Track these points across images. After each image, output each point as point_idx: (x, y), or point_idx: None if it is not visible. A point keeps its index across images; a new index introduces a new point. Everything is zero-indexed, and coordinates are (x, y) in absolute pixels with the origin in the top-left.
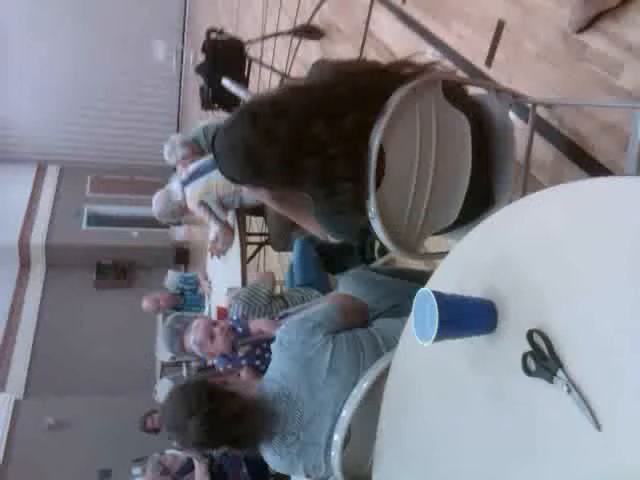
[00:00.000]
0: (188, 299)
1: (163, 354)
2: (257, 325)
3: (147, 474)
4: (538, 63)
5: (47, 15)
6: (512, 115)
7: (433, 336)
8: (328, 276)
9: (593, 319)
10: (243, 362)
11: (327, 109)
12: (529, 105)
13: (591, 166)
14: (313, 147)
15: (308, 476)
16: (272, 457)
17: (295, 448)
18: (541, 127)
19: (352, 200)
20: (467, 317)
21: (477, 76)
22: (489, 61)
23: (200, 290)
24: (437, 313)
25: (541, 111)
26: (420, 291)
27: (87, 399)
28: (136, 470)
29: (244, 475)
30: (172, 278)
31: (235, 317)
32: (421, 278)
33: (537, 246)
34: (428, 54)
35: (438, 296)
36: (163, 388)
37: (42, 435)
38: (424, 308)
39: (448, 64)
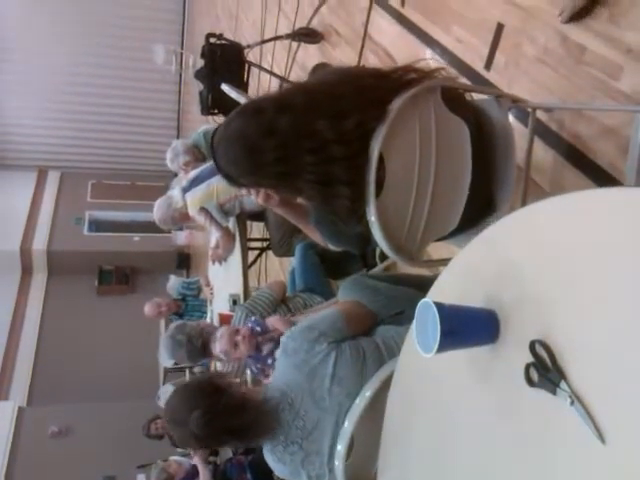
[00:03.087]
0: (190, 305)
1: (166, 360)
2: (272, 322)
3: None
4: (537, 66)
5: (47, 22)
6: (511, 119)
7: (435, 348)
8: (330, 281)
9: (597, 330)
10: (269, 361)
11: (330, 107)
12: (529, 109)
13: (591, 169)
14: (313, 144)
15: None
16: (275, 464)
17: (298, 456)
18: (541, 131)
19: (349, 206)
20: (469, 328)
21: (476, 80)
22: (488, 65)
23: (202, 296)
24: (439, 325)
25: (541, 114)
26: (421, 302)
27: (90, 406)
28: (140, 477)
29: None
30: (174, 283)
31: (253, 318)
32: (422, 284)
33: (540, 256)
34: (427, 57)
35: (439, 307)
36: (166, 394)
37: (46, 442)
38: (426, 319)
39: (450, 70)
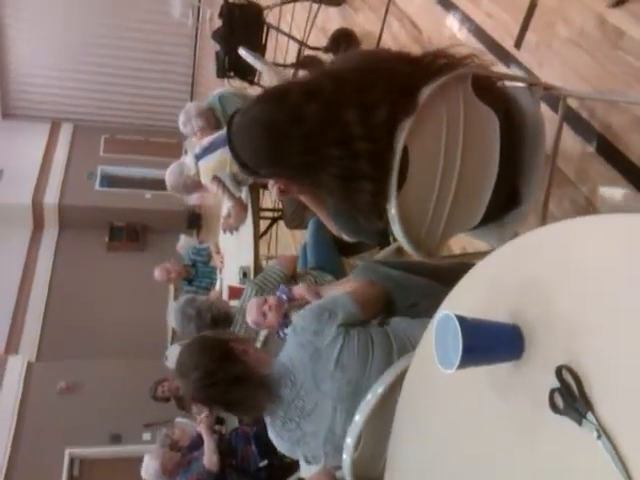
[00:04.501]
0: (200, 271)
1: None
2: (299, 291)
3: (157, 450)
4: (570, 49)
5: None
6: (541, 105)
7: (456, 364)
8: (342, 259)
9: (630, 359)
10: None
11: (360, 96)
12: (560, 95)
13: (620, 162)
14: (341, 136)
15: (308, 462)
16: (275, 438)
17: (295, 434)
18: (571, 118)
19: (370, 201)
20: (492, 344)
21: (505, 58)
22: (518, 43)
23: (212, 262)
24: (461, 340)
25: (571, 101)
26: (442, 315)
27: (99, 362)
28: (146, 435)
29: (253, 452)
30: (184, 243)
31: (281, 287)
32: (437, 275)
33: (573, 275)
34: (454, 30)
35: (462, 321)
36: (174, 354)
37: (54, 398)
38: (446, 332)
39: (485, 56)
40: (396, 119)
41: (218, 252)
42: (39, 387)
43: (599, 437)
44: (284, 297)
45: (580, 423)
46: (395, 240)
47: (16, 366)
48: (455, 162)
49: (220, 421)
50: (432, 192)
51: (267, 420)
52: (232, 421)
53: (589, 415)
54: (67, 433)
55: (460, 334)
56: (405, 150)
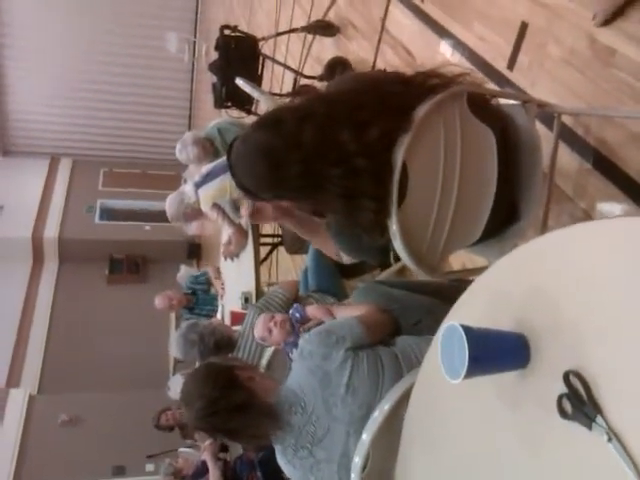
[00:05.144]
0: (200, 298)
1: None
2: (312, 311)
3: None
4: (563, 68)
5: (60, 9)
6: (537, 123)
7: (463, 374)
8: (343, 282)
9: (636, 363)
10: None
11: (353, 116)
12: (554, 113)
13: (618, 176)
14: (338, 156)
15: None
16: (285, 466)
17: (307, 462)
18: (566, 135)
19: (373, 219)
20: (498, 353)
21: (499, 80)
22: (511, 64)
23: (212, 289)
24: (467, 350)
25: (566, 118)
26: (448, 325)
27: (100, 395)
28: (149, 466)
29: (258, 479)
30: (184, 273)
31: (295, 305)
32: (439, 293)
33: (578, 281)
34: (447, 54)
35: (467, 331)
36: (176, 384)
37: (56, 430)
38: (452, 342)
39: (478, 75)
40: (392, 136)
41: (218, 277)
42: (41, 420)
43: (609, 440)
44: (297, 315)
45: (590, 427)
46: (396, 261)
47: (18, 399)
48: (454, 178)
49: (224, 448)
50: (432, 207)
51: (277, 448)
52: (236, 448)
53: (598, 418)
54: (70, 466)
55: (466, 344)
56: (404, 166)
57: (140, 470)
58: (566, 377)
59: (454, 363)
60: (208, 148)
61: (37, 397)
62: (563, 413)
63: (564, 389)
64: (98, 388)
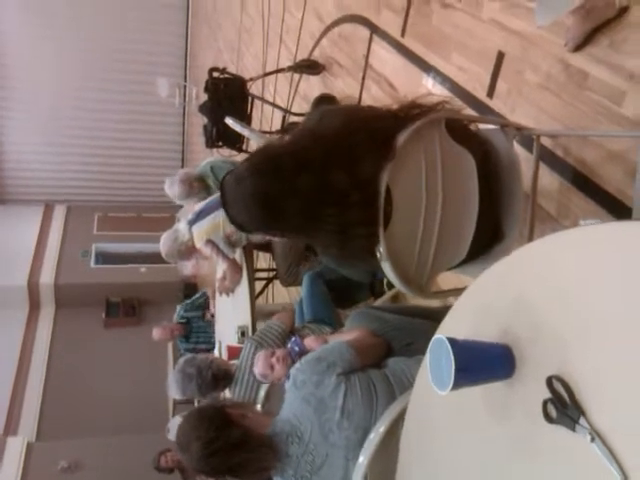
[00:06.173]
0: (194, 326)
1: (175, 393)
2: (310, 343)
3: None
4: (540, 93)
5: (50, 58)
6: (516, 146)
7: (450, 385)
8: (338, 311)
9: (616, 364)
10: None
11: (347, 157)
12: (533, 136)
13: (598, 195)
14: (333, 196)
15: None
16: None
17: None
18: (546, 157)
19: (365, 245)
20: (484, 363)
21: (479, 108)
22: (490, 92)
23: (207, 314)
24: (453, 361)
25: (545, 140)
26: (434, 339)
27: (100, 440)
28: None
29: None
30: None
31: (293, 338)
32: (430, 315)
33: (556, 290)
34: (429, 86)
35: (453, 343)
36: (176, 426)
37: (56, 478)
38: (439, 355)
39: (455, 101)
40: (379, 165)
41: (214, 297)
42: (40, 467)
43: (593, 440)
44: (296, 349)
45: (574, 429)
46: (389, 288)
47: (16, 447)
48: (437, 200)
49: None
50: (417, 229)
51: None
52: None
53: (582, 420)
54: None
55: (452, 356)
56: (388, 191)
57: None
58: (549, 382)
59: (442, 375)
60: (195, 187)
61: (35, 444)
62: (548, 418)
63: (549, 394)
64: (97, 433)
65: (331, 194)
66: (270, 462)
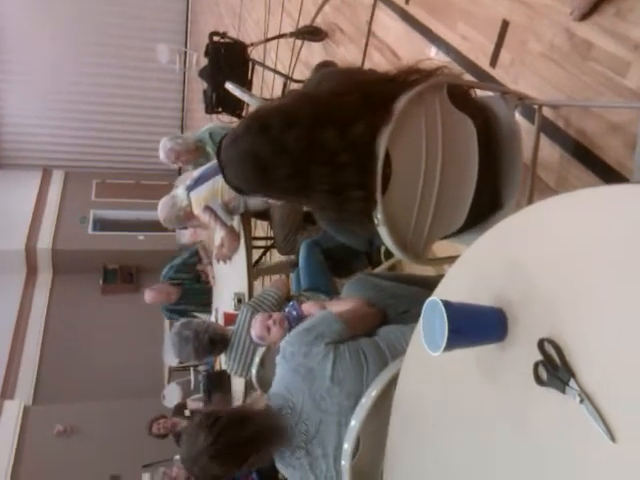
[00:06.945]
0: (188, 289)
1: (171, 359)
2: (307, 308)
3: None
4: (543, 63)
5: (50, 21)
6: (518, 116)
7: (443, 346)
8: (334, 280)
9: (606, 327)
10: None
11: (337, 117)
12: (535, 106)
13: (598, 167)
14: (324, 155)
15: None
16: (285, 469)
17: (306, 461)
18: (547, 128)
19: (362, 208)
20: (477, 326)
21: (482, 77)
22: (494, 62)
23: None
24: (446, 322)
25: (547, 111)
26: (428, 300)
27: (96, 405)
28: (145, 476)
29: None
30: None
31: (291, 303)
32: (426, 284)
33: (548, 254)
34: (432, 54)
35: (447, 305)
36: (171, 393)
37: (52, 441)
38: (433, 317)
39: (455, 67)
40: (375, 129)
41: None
42: (36, 431)
43: (582, 401)
44: (294, 313)
45: (564, 391)
46: (386, 258)
47: (12, 410)
48: (436, 165)
49: None
50: (415, 194)
51: (275, 453)
52: None
53: (571, 382)
54: (65, 476)
55: (445, 317)
56: (388, 156)
57: (136, 479)
58: (540, 344)
59: (435, 337)
60: (191, 149)
61: (32, 408)
62: (539, 380)
63: (540, 357)
64: (93, 398)
65: (320, 152)
66: (279, 432)
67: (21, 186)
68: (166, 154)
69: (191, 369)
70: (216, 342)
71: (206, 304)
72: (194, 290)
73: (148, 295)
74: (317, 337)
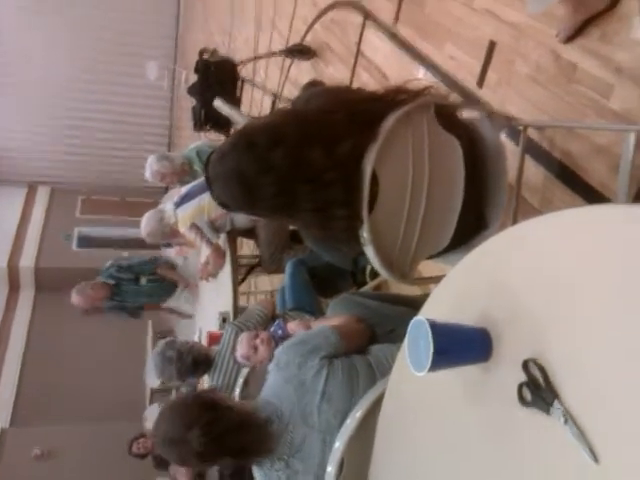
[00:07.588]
0: (123, 290)
1: (153, 380)
2: (293, 327)
3: None
4: (529, 84)
5: (37, 38)
6: (503, 137)
7: (427, 366)
8: (320, 300)
9: (590, 349)
10: None
11: (324, 135)
12: (520, 127)
13: (582, 188)
14: (310, 174)
15: None
16: (262, 478)
17: (284, 474)
18: (532, 149)
19: (348, 227)
20: (462, 346)
21: (469, 97)
22: (480, 82)
23: (142, 280)
24: (431, 343)
25: (532, 132)
26: (414, 320)
27: (75, 427)
28: None
29: None
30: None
31: (277, 322)
32: (412, 303)
33: (532, 273)
34: (419, 75)
35: (432, 325)
36: (153, 414)
37: (29, 465)
38: (418, 337)
39: (442, 87)
40: (362, 147)
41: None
42: (13, 454)
43: (566, 422)
44: (279, 332)
45: (548, 412)
46: (372, 278)
47: None
48: (422, 184)
49: (200, 475)
50: (402, 213)
51: (254, 462)
52: (213, 476)
53: (555, 402)
54: None
55: (430, 337)
56: (374, 175)
57: None
58: (525, 365)
59: (420, 357)
60: (177, 169)
61: (9, 430)
62: (523, 401)
63: (524, 378)
64: (73, 420)
65: (307, 171)
66: (268, 444)
67: (6, 202)
68: (152, 175)
69: (173, 391)
70: (199, 363)
71: (139, 308)
72: (131, 290)
73: (74, 297)
74: (313, 350)
